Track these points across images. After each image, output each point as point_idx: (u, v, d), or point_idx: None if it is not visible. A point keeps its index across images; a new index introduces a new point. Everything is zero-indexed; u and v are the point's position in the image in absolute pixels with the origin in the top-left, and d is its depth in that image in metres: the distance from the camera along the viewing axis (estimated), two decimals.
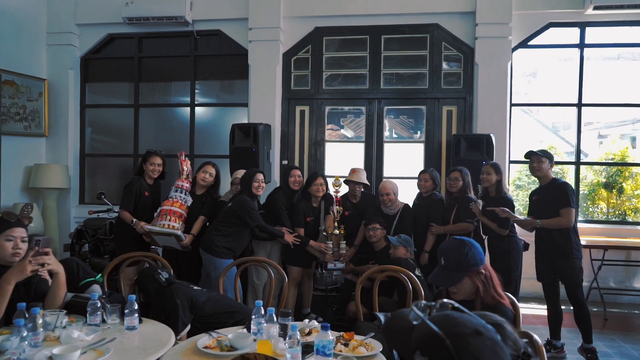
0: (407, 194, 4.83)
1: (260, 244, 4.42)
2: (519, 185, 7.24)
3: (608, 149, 6.80)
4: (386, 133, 5.91)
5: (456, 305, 0.97)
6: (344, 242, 4.40)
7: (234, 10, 5.83)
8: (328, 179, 4.52)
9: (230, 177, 4.83)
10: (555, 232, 3.76)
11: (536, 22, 5.55)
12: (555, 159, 4.15)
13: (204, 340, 2.20)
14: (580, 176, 6.00)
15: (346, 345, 2.15)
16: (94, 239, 5.02)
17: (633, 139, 8.49)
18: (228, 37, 5.98)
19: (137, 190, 4.22)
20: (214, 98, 6.46)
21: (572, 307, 3.83)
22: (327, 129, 6.02)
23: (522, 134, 6.51)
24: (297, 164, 5.87)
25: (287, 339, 1.92)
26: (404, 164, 5.73)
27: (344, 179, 4.56)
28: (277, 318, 2.23)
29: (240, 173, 4.37)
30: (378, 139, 5.80)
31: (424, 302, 1.00)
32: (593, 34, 5.67)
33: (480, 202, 4.18)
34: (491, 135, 4.96)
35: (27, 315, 2.00)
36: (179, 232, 4.06)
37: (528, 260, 4.12)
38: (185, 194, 4.22)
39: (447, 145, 5.59)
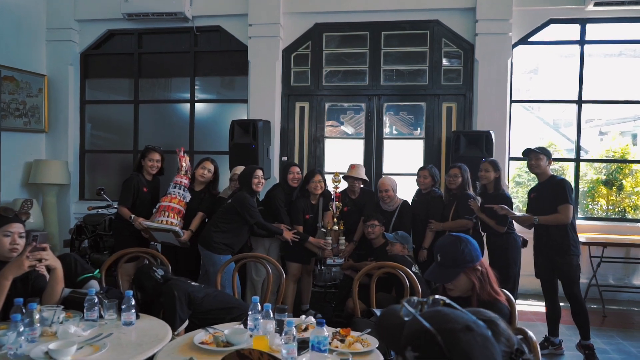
0: (407, 190, 4.83)
1: (259, 241, 4.42)
2: (518, 182, 7.24)
3: (608, 146, 6.79)
4: (386, 129, 5.90)
5: (447, 301, 0.97)
6: (343, 237, 4.40)
7: (233, 6, 5.82)
8: (327, 176, 4.52)
9: (229, 174, 4.83)
10: (552, 228, 3.75)
11: (537, 18, 5.53)
12: (556, 156, 4.16)
13: (200, 335, 2.21)
14: (581, 173, 5.98)
15: (342, 341, 2.15)
16: (94, 235, 5.03)
17: (634, 136, 8.47)
18: (228, 33, 5.96)
19: (135, 186, 4.23)
20: (214, 94, 6.46)
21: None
22: (327, 126, 6.01)
23: (522, 131, 6.50)
24: (296, 160, 5.87)
25: (283, 334, 1.93)
26: (404, 161, 5.73)
27: (344, 174, 4.56)
28: (273, 314, 2.24)
29: (240, 169, 4.36)
30: (378, 136, 5.80)
31: (415, 298, 1.00)
32: (594, 31, 5.64)
33: (478, 199, 4.18)
34: (491, 132, 4.95)
35: (24, 311, 2.01)
36: (177, 228, 4.07)
37: (527, 257, 4.12)
38: (183, 190, 4.22)
39: (446, 141, 5.59)
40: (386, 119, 5.89)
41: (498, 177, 4.11)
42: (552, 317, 3.96)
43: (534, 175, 4.09)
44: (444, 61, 5.66)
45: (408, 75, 5.75)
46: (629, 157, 6.40)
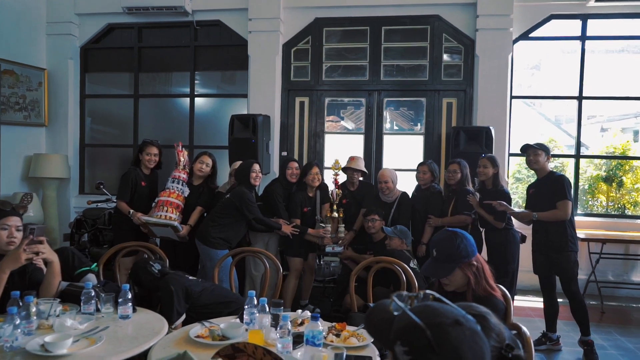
0: (406, 185, 4.83)
1: (258, 235, 4.42)
2: (518, 178, 7.23)
3: (609, 142, 6.77)
4: (386, 125, 5.89)
5: (437, 296, 0.97)
6: (343, 225, 4.40)
7: (233, 1, 5.80)
8: (326, 171, 4.51)
9: (229, 168, 4.82)
10: (551, 224, 3.75)
11: (538, 13, 5.50)
12: (557, 152, 4.14)
13: (196, 329, 2.22)
14: (581, 170, 5.97)
15: (338, 335, 2.16)
16: (93, 229, 5.04)
17: (636, 133, 8.45)
18: (228, 27, 5.95)
19: (133, 180, 4.23)
20: (214, 89, 6.45)
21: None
22: (327, 121, 6.00)
23: (523, 127, 6.48)
24: (296, 155, 5.86)
25: (279, 329, 1.93)
26: (404, 156, 5.72)
27: (344, 166, 4.56)
28: (269, 308, 2.24)
29: (239, 164, 4.36)
30: (378, 131, 5.79)
31: (405, 293, 0.99)
32: (595, 27, 5.61)
33: (477, 194, 4.18)
34: (491, 127, 4.94)
35: (20, 304, 2.02)
36: (176, 223, 4.07)
37: (525, 252, 4.12)
38: (182, 185, 4.22)
39: (446, 137, 5.58)
40: (386, 114, 5.88)
41: (496, 173, 4.11)
42: (550, 313, 3.97)
43: (533, 172, 4.08)
44: (445, 56, 5.64)
45: (408, 71, 5.73)
46: (630, 154, 6.38)
